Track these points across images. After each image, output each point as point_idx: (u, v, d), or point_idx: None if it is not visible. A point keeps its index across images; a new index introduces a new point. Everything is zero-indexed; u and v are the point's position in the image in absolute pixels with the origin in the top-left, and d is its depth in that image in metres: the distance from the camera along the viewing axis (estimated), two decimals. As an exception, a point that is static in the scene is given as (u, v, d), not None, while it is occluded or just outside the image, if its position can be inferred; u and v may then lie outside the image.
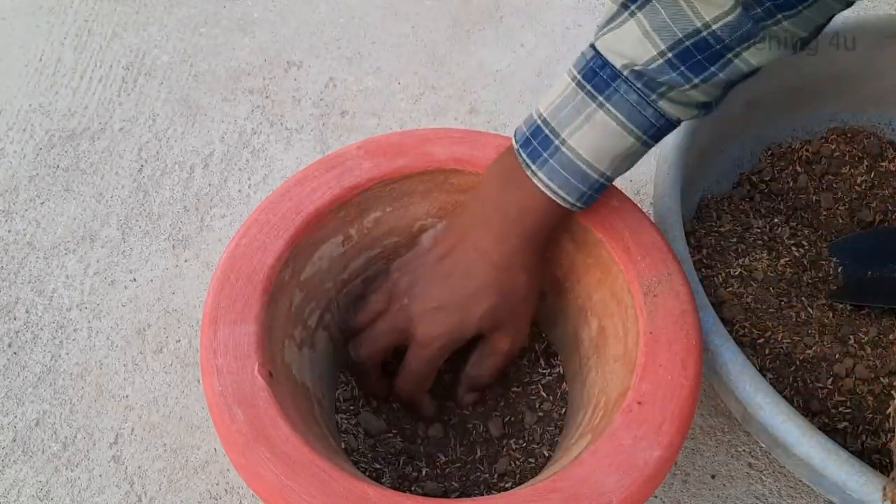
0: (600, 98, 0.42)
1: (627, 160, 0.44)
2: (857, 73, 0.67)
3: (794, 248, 0.61)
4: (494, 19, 0.85)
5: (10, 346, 0.60)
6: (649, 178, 0.72)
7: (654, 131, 0.43)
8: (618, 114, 0.42)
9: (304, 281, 0.48)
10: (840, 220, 0.64)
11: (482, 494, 0.49)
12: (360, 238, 0.51)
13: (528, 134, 0.44)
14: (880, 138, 0.69)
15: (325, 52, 0.81)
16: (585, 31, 0.84)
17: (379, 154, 0.50)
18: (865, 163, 0.67)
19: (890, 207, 0.65)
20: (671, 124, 0.43)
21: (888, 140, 0.69)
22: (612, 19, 0.42)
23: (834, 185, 0.66)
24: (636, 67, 0.41)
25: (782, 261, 0.60)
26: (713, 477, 0.56)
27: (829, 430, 0.52)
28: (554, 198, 0.44)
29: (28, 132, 0.73)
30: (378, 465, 0.50)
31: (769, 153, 0.68)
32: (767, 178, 0.67)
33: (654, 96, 0.41)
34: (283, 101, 0.77)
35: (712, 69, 0.40)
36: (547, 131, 0.44)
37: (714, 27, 0.38)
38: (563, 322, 0.53)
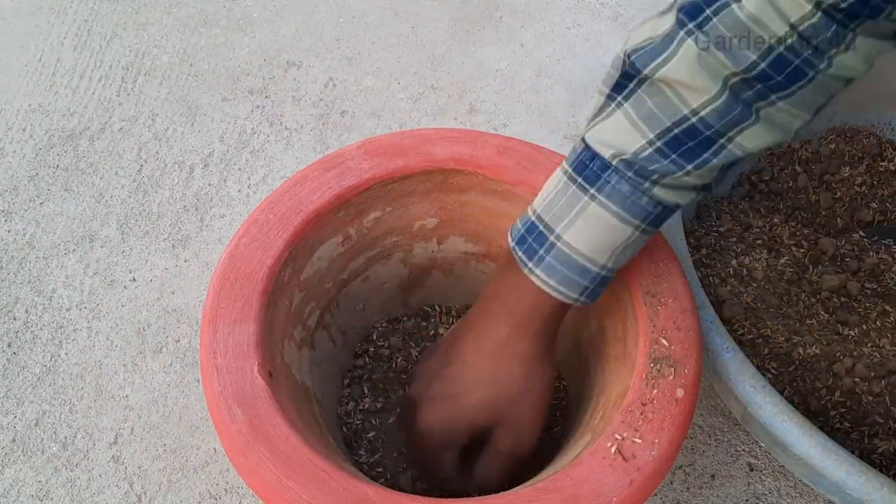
0: (592, 190, 0.40)
1: (628, 250, 0.42)
2: (857, 73, 0.67)
3: (793, 248, 0.61)
4: (494, 19, 0.85)
5: (9, 346, 0.60)
6: (649, 178, 0.72)
7: (653, 218, 0.41)
8: (611, 204, 0.40)
9: (304, 281, 0.48)
10: (839, 220, 0.64)
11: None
12: (360, 238, 0.51)
13: (523, 231, 0.43)
14: (880, 138, 0.69)
15: (325, 51, 0.81)
16: (584, 32, 0.84)
17: (379, 154, 0.50)
18: (865, 163, 0.67)
19: (889, 207, 0.65)
20: (670, 210, 0.41)
21: (888, 140, 0.69)
22: (600, 111, 0.41)
23: (833, 185, 0.66)
24: (626, 157, 0.39)
25: (782, 260, 0.60)
26: (713, 477, 0.56)
27: (829, 430, 0.52)
28: (555, 294, 0.42)
29: (28, 132, 0.73)
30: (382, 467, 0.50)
31: (769, 153, 0.68)
32: (767, 178, 0.67)
33: (646, 184, 0.39)
34: (283, 100, 0.77)
35: (705, 156, 0.38)
36: (541, 227, 0.42)
37: (702, 113, 0.37)
38: (563, 322, 0.53)
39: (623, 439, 0.40)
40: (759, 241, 0.61)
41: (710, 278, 0.57)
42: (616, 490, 0.38)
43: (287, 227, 0.46)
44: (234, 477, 0.55)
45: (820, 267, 0.61)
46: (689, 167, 0.39)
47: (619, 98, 0.39)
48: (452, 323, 0.57)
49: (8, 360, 0.60)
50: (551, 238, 0.42)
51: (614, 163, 0.40)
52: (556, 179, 0.42)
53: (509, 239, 0.44)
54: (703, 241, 0.60)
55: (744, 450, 0.57)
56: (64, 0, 0.84)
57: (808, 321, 0.56)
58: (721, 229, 0.61)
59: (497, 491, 0.42)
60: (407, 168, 0.50)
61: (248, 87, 0.78)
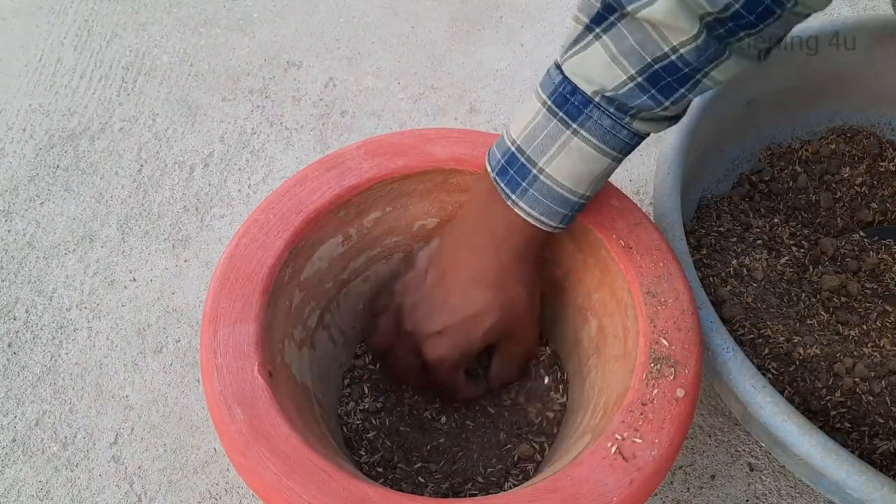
0: (574, 125, 0.42)
1: (604, 178, 0.45)
2: (857, 73, 0.67)
3: (793, 248, 0.61)
4: (494, 19, 0.85)
5: (9, 345, 0.60)
6: (649, 178, 0.72)
7: (629, 149, 0.44)
8: (592, 138, 0.42)
9: (304, 281, 0.48)
10: (840, 220, 0.64)
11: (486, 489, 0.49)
12: (360, 238, 0.51)
13: (503, 162, 0.45)
14: (880, 138, 0.69)
15: (325, 51, 0.81)
16: (585, 31, 0.84)
17: (379, 154, 0.50)
18: (865, 163, 0.67)
19: (890, 207, 0.65)
20: (642, 139, 0.44)
21: (888, 140, 0.69)
22: (576, 41, 0.42)
23: (833, 185, 0.66)
24: (607, 93, 0.41)
25: (782, 260, 0.60)
26: (713, 477, 0.56)
27: (830, 430, 0.52)
28: (536, 224, 0.45)
29: (28, 132, 0.73)
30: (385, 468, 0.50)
31: (769, 153, 0.68)
32: (767, 178, 0.67)
33: (626, 119, 0.42)
34: (283, 100, 0.77)
35: (682, 90, 0.41)
36: (523, 160, 0.44)
37: (682, 51, 0.39)
38: (563, 322, 0.53)
39: (623, 439, 0.40)
40: (759, 242, 0.61)
41: (711, 278, 0.57)
42: (616, 490, 0.38)
43: (287, 227, 0.46)
44: (235, 477, 0.55)
45: (820, 267, 0.61)
46: (667, 102, 0.41)
47: (598, 30, 0.41)
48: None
49: (8, 360, 0.60)
50: (534, 171, 0.44)
51: (596, 99, 0.42)
52: (534, 110, 0.44)
53: (488, 168, 0.46)
54: (703, 241, 0.60)
55: (744, 450, 0.57)
56: (64, 0, 0.84)
57: (808, 321, 0.56)
58: (721, 229, 0.61)
59: (511, 382, 0.52)
60: (407, 168, 0.50)
61: (248, 87, 0.78)
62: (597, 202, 0.49)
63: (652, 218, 0.53)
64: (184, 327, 0.62)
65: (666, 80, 0.40)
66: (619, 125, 0.42)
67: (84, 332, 0.61)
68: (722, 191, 0.66)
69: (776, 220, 0.63)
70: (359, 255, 0.52)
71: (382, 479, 0.49)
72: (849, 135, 0.69)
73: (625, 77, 0.40)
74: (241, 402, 0.39)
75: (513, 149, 0.44)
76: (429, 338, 0.48)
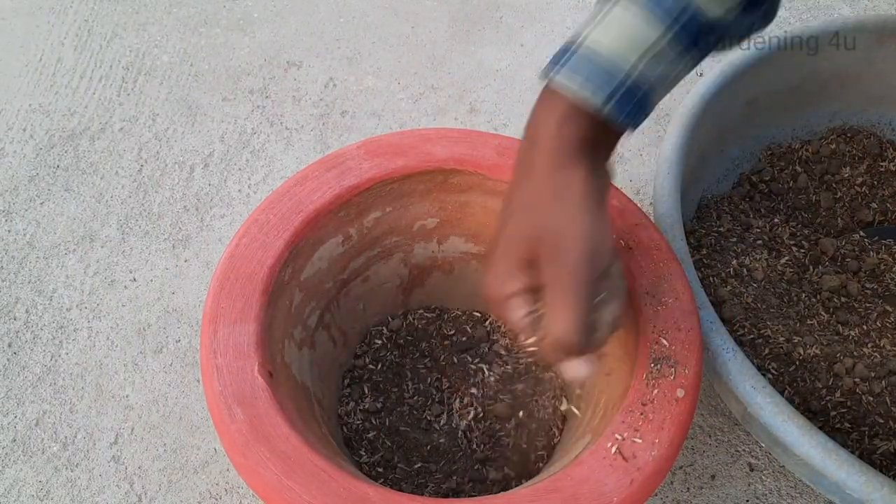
0: (688, 56, 0.38)
1: (657, 62, 0.38)
2: (857, 73, 0.67)
3: (793, 248, 0.61)
4: (494, 19, 0.85)
5: (10, 345, 0.60)
6: (649, 178, 0.72)
7: (685, 22, 0.38)
8: (696, 64, 0.38)
9: (304, 281, 0.48)
10: (840, 220, 0.64)
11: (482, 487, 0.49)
12: (360, 238, 0.51)
13: (548, 62, 0.39)
14: (880, 138, 0.69)
15: (325, 51, 0.81)
16: (585, 31, 0.84)
17: (379, 154, 0.50)
18: (865, 163, 0.67)
19: (890, 207, 0.65)
20: (699, 24, 0.38)
21: (888, 140, 0.69)
22: None
23: (834, 185, 0.66)
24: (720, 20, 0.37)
25: (782, 260, 0.60)
26: (713, 477, 0.56)
27: (830, 431, 0.52)
28: (580, 98, 0.37)
29: (28, 132, 0.73)
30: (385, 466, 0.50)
31: (769, 153, 0.68)
32: (767, 178, 0.67)
33: None
34: (283, 100, 0.77)
35: None
36: (566, 45, 0.39)
37: None
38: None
39: (623, 439, 0.40)
40: (759, 242, 0.61)
41: (711, 278, 0.57)
42: (616, 490, 0.38)
43: (287, 227, 0.46)
44: (235, 477, 0.55)
45: (820, 267, 0.61)
46: None
47: None
48: (453, 324, 0.57)
49: (8, 360, 0.60)
50: (574, 46, 0.38)
51: None
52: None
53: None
54: (703, 242, 0.60)
55: (744, 450, 0.57)
56: (64, 0, 0.84)
57: (808, 321, 0.56)
58: (721, 229, 0.61)
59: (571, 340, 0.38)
60: (407, 168, 0.50)
61: (248, 87, 0.78)
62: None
63: (652, 218, 0.53)
64: (184, 327, 0.62)
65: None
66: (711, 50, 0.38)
67: (84, 332, 0.61)
68: (722, 191, 0.66)
69: (776, 221, 0.63)
70: (359, 255, 0.52)
71: (382, 479, 0.49)
72: (849, 135, 0.69)
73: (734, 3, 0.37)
74: (241, 402, 0.39)
75: (564, 44, 0.39)
76: (502, 224, 0.40)
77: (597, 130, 0.38)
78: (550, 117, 0.38)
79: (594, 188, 0.38)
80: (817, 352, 0.54)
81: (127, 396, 0.58)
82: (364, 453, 0.51)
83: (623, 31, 0.38)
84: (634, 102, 0.38)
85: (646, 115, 0.40)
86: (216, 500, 0.54)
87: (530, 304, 0.38)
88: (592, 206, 0.37)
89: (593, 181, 0.38)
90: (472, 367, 0.55)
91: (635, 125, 0.39)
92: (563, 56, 0.39)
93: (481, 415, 0.53)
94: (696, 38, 0.39)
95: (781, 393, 0.52)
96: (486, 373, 0.55)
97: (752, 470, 0.56)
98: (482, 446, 0.51)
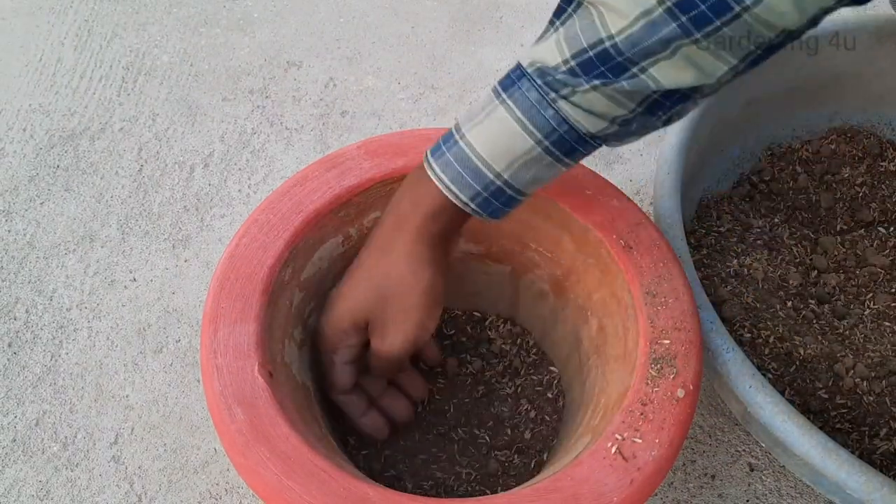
0: (503, 95, 0.41)
1: (529, 167, 0.41)
2: (858, 73, 0.67)
3: (794, 248, 0.61)
4: (494, 19, 0.85)
5: (10, 345, 0.61)
6: (649, 178, 0.72)
7: (557, 137, 0.40)
8: (516, 109, 0.40)
9: (305, 281, 0.48)
10: (840, 220, 0.64)
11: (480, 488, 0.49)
12: (361, 238, 0.51)
13: (438, 139, 0.44)
14: (880, 138, 0.69)
15: (325, 51, 0.81)
16: (585, 31, 0.84)
17: (379, 154, 0.50)
18: (865, 163, 0.67)
19: (890, 207, 0.65)
20: (578, 136, 0.40)
21: (888, 140, 0.69)
22: (541, 36, 0.42)
23: (834, 185, 0.66)
24: (540, 66, 0.40)
25: (782, 260, 0.60)
26: (713, 477, 0.56)
27: (830, 431, 0.52)
28: (446, 193, 0.42)
29: (28, 132, 0.73)
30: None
31: (769, 153, 0.68)
32: (767, 178, 0.67)
33: (553, 94, 0.39)
34: (283, 100, 0.77)
35: (614, 79, 0.39)
36: (453, 129, 0.43)
37: (617, 39, 0.38)
38: (563, 321, 0.53)
39: (623, 439, 0.40)
40: (759, 242, 0.61)
41: (711, 278, 0.57)
42: (616, 490, 0.38)
43: (287, 227, 0.46)
44: (235, 477, 0.55)
45: (820, 267, 0.61)
46: (597, 83, 0.39)
47: (558, 22, 0.41)
48: (453, 324, 0.57)
49: (8, 359, 0.60)
50: (457, 136, 0.42)
51: (529, 70, 0.40)
52: (484, 94, 0.43)
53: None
54: (703, 242, 0.60)
55: (744, 450, 0.57)
56: (64, 0, 0.84)
57: (808, 321, 0.56)
58: (721, 229, 0.61)
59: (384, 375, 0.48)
60: (407, 168, 0.50)
61: (248, 87, 0.78)
62: (596, 202, 0.49)
63: (652, 218, 0.53)
64: (184, 327, 0.62)
65: (599, 69, 0.38)
66: (546, 101, 0.40)
67: (84, 332, 0.61)
68: (722, 191, 0.66)
69: (776, 220, 0.63)
70: (359, 255, 0.52)
71: (382, 479, 0.49)
72: (849, 135, 0.69)
73: (560, 59, 0.39)
74: (241, 402, 0.39)
75: (451, 127, 0.43)
76: (325, 306, 0.47)
77: (460, 217, 0.44)
78: (419, 208, 0.43)
79: (441, 258, 0.45)
80: (817, 352, 0.54)
81: (127, 396, 0.58)
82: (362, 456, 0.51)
83: (497, 138, 0.41)
84: (500, 202, 0.42)
85: (517, 206, 0.44)
86: (216, 500, 0.54)
87: (352, 356, 0.47)
88: (436, 271, 0.44)
89: (442, 255, 0.45)
90: (472, 367, 0.55)
91: (503, 216, 0.44)
92: (446, 142, 0.42)
93: (481, 412, 0.53)
94: (575, 147, 0.41)
95: (781, 393, 0.52)
96: (487, 373, 0.55)
97: (752, 470, 0.56)
98: (486, 438, 0.51)
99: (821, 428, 0.50)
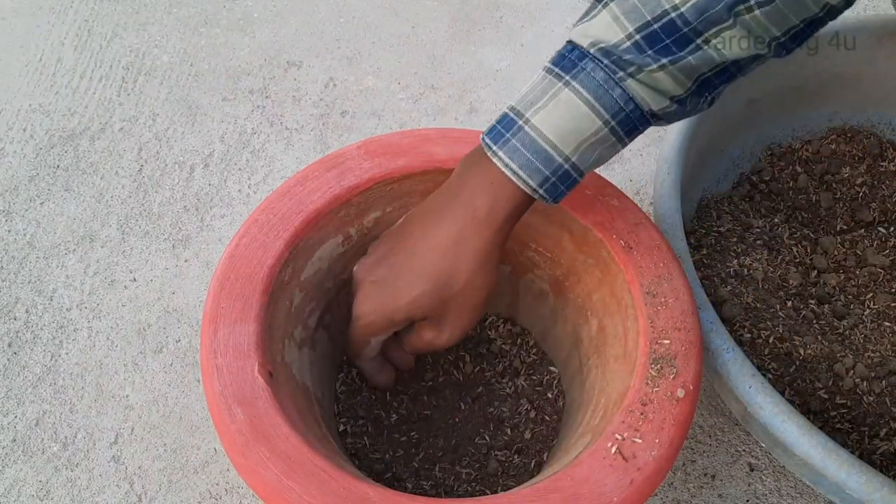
0: (566, 77, 0.40)
1: (594, 149, 0.41)
2: (858, 73, 0.67)
3: (794, 248, 0.61)
4: (494, 19, 0.85)
5: (10, 345, 0.60)
6: (649, 178, 0.72)
7: (623, 117, 0.40)
8: (583, 91, 0.40)
9: (305, 281, 0.48)
10: (840, 220, 0.64)
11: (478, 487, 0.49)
12: (361, 238, 0.51)
13: (494, 123, 0.43)
14: (880, 138, 0.69)
15: (326, 51, 0.81)
16: (585, 31, 0.84)
17: (379, 154, 0.50)
18: (865, 163, 0.67)
19: (890, 207, 0.65)
20: (641, 114, 0.41)
21: (888, 140, 0.69)
22: (587, 13, 0.41)
23: (834, 185, 0.66)
24: (603, 45, 0.40)
25: (782, 260, 0.60)
26: (713, 477, 0.56)
27: (830, 431, 0.52)
28: (515, 180, 0.41)
29: (28, 132, 0.73)
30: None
31: (769, 153, 0.68)
32: (767, 178, 0.67)
33: (621, 73, 0.39)
34: (283, 100, 0.77)
35: (680, 53, 0.39)
36: (513, 115, 0.42)
37: (682, 9, 0.37)
38: (563, 321, 0.53)
39: (623, 439, 0.40)
40: (759, 242, 0.61)
41: (711, 278, 0.57)
42: (616, 490, 0.38)
43: (287, 227, 0.46)
44: (235, 477, 0.55)
45: (820, 267, 0.61)
46: (665, 61, 0.39)
47: None
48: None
49: (8, 359, 0.60)
50: (520, 122, 0.41)
51: (592, 51, 0.40)
52: (536, 77, 0.42)
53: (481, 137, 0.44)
54: (703, 242, 0.60)
55: (744, 450, 0.57)
56: (64, 0, 0.84)
57: (808, 321, 0.56)
58: (721, 229, 0.61)
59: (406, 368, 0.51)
60: (407, 168, 0.50)
61: (248, 87, 0.78)
62: (596, 202, 0.49)
63: (652, 218, 0.53)
64: (184, 327, 0.62)
65: (664, 41, 0.38)
66: (613, 80, 0.40)
67: (84, 332, 0.61)
68: (722, 191, 0.66)
69: (776, 220, 0.63)
70: (359, 255, 0.52)
71: (382, 479, 0.49)
72: (849, 135, 0.69)
73: (623, 35, 0.39)
74: (241, 402, 0.39)
75: (506, 110, 0.42)
76: (361, 287, 0.46)
77: (525, 206, 0.43)
78: (499, 205, 0.42)
79: (499, 251, 0.44)
80: (817, 352, 0.54)
81: (127, 396, 0.58)
82: (360, 454, 0.51)
83: (565, 122, 0.40)
84: (565, 185, 0.42)
85: (574, 187, 0.44)
86: (216, 500, 0.54)
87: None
88: (493, 266, 0.44)
89: (500, 246, 0.44)
90: (472, 367, 0.55)
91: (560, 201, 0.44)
92: (508, 128, 0.42)
93: (481, 412, 0.53)
94: (636, 126, 0.42)
95: (781, 393, 0.52)
96: (487, 373, 0.55)
97: (752, 470, 0.56)
98: (486, 438, 0.51)
99: (821, 428, 0.50)
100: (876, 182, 0.66)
